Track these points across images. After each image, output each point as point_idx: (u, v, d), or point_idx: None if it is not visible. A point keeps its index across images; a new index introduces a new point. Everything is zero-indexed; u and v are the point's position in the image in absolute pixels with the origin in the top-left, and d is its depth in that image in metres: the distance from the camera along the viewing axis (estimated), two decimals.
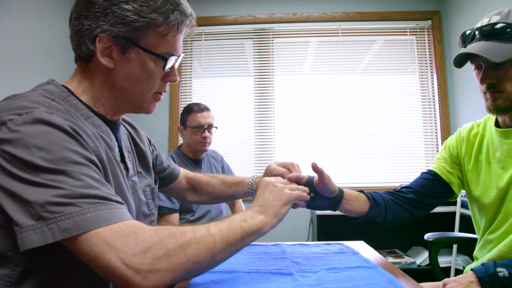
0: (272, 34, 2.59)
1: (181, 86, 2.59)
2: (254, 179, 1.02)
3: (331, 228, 2.12)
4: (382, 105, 2.54)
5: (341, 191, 0.99)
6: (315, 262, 0.86)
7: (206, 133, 1.73)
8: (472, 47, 0.86)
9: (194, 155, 1.80)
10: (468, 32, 0.91)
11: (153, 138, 2.90)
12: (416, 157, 2.50)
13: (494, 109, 0.91)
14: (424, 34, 2.55)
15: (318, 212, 2.14)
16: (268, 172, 0.95)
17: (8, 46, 1.72)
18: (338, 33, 2.56)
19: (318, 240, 2.20)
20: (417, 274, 2.12)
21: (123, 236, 0.50)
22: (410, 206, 1.07)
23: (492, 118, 1.03)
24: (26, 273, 0.55)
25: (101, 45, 0.63)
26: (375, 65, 2.61)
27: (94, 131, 0.63)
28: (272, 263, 0.87)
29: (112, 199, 0.54)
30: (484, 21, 0.88)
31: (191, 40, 2.63)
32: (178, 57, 0.70)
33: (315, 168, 0.92)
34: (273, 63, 2.58)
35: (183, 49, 2.56)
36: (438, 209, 2.07)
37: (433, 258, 1.33)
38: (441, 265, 2.06)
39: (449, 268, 2.03)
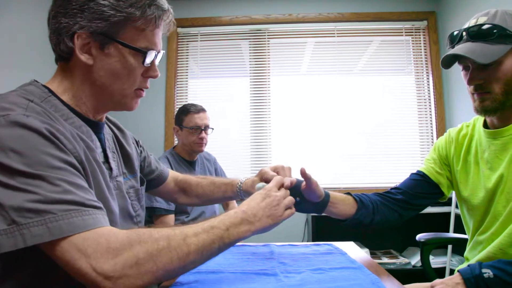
0: (268, 35, 2.59)
1: (177, 87, 2.59)
2: (243, 180, 1.02)
3: (326, 229, 2.12)
4: (378, 106, 2.54)
5: (327, 195, 0.99)
6: (301, 263, 0.86)
7: (203, 134, 1.74)
8: (459, 48, 0.86)
9: (189, 156, 1.81)
10: (455, 32, 0.91)
11: (148, 139, 2.89)
12: (412, 158, 2.50)
13: (482, 110, 0.91)
14: (419, 35, 2.54)
15: None
16: (260, 176, 0.95)
17: (7, 45, 1.73)
18: (334, 33, 2.56)
19: (313, 240, 2.20)
20: (412, 274, 2.12)
21: (94, 243, 0.51)
22: (398, 207, 1.07)
23: (481, 118, 1.03)
24: (7, 271, 0.55)
25: (80, 41, 0.64)
26: (371, 66, 2.61)
27: (73, 132, 0.63)
28: (259, 263, 0.87)
29: (88, 204, 0.54)
30: (472, 22, 0.88)
31: (187, 41, 2.63)
32: (158, 53, 0.71)
33: (303, 173, 0.92)
34: (269, 64, 2.58)
35: (179, 50, 2.59)
36: (434, 210, 2.07)
37: (424, 258, 1.33)
38: (436, 266, 2.07)
39: (444, 268, 2.03)
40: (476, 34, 0.85)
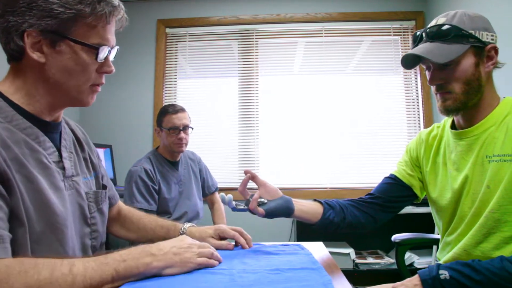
0: (256, 35, 2.60)
1: (166, 87, 2.60)
2: (186, 227, 0.99)
3: (313, 228, 2.12)
4: (367, 106, 2.53)
5: (287, 197, 1.01)
6: (263, 263, 0.86)
7: (182, 134, 1.74)
8: (418, 49, 0.87)
9: (171, 157, 1.81)
10: (418, 33, 0.91)
11: (137, 139, 2.88)
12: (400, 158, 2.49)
13: (444, 110, 0.91)
14: (408, 35, 2.54)
15: None
16: (215, 231, 0.97)
17: None
18: (322, 33, 2.56)
19: (299, 240, 2.21)
20: (396, 274, 2.11)
21: None
22: (371, 210, 1.06)
23: (450, 119, 1.03)
24: None
25: (30, 40, 0.64)
26: (360, 66, 2.60)
27: (4, 137, 0.61)
28: (220, 263, 0.87)
29: None
30: (432, 23, 0.89)
31: (176, 41, 2.64)
32: (111, 48, 0.71)
33: (247, 171, 0.98)
34: (257, 64, 2.58)
35: (168, 50, 2.60)
36: (421, 210, 2.06)
37: (399, 258, 1.33)
38: (421, 266, 2.06)
39: None
40: (434, 34, 0.85)
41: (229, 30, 2.61)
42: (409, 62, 0.92)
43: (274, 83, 2.60)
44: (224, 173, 2.52)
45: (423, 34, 0.88)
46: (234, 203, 0.97)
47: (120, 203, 1.03)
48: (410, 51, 0.88)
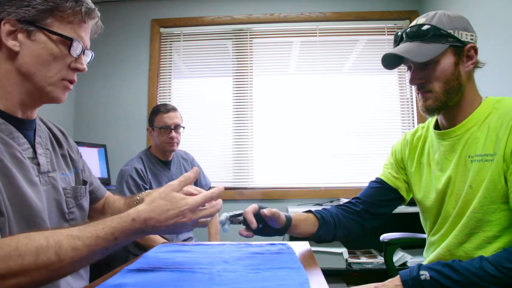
0: (250, 35, 2.60)
1: (160, 87, 2.61)
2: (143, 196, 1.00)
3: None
4: (362, 106, 2.53)
5: (288, 220, 0.99)
6: (245, 262, 0.87)
7: (173, 134, 1.75)
8: (397, 48, 0.87)
9: (163, 156, 1.82)
10: (399, 33, 0.92)
11: (131, 139, 2.88)
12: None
13: (425, 109, 0.91)
14: None
15: None
16: None
17: None
18: (316, 33, 2.56)
19: (291, 239, 2.20)
20: (388, 274, 2.11)
21: None
22: (360, 218, 1.07)
23: (433, 120, 1.04)
24: None
25: (6, 28, 0.66)
26: (355, 66, 2.60)
27: None
28: (203, 262, 0.87)
29: None
30: (412, 23, 0.89)
31: (170, 41, 2.64)
32: (85, 49, 0.73)
33: (265, 216, 0.92)
34: (251, 63, 2.59)
35: (162, 50, 2.60)
36: (415, 209, 2.05)
37: (388, 258, 1.34)
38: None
39: None
40: (414, 34, 0.86)
41: (223, 29, 2.61)
42: (390, 62, 0.92)
43: (268, 83, 2.60)
44: (218, 173, 2.52)
45: (403, 34, 0.88)
46: (228, 222, 0.95)
47: (109, 195, 1.04)
48: (389, 51, 0.88)
